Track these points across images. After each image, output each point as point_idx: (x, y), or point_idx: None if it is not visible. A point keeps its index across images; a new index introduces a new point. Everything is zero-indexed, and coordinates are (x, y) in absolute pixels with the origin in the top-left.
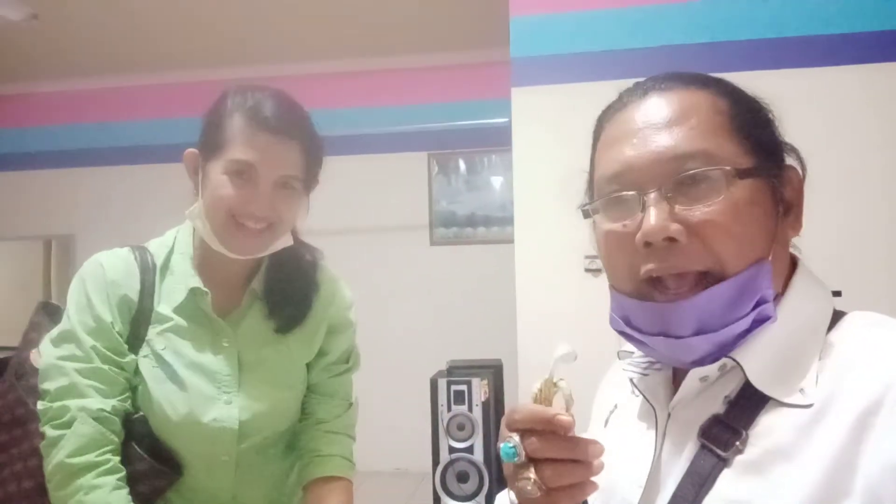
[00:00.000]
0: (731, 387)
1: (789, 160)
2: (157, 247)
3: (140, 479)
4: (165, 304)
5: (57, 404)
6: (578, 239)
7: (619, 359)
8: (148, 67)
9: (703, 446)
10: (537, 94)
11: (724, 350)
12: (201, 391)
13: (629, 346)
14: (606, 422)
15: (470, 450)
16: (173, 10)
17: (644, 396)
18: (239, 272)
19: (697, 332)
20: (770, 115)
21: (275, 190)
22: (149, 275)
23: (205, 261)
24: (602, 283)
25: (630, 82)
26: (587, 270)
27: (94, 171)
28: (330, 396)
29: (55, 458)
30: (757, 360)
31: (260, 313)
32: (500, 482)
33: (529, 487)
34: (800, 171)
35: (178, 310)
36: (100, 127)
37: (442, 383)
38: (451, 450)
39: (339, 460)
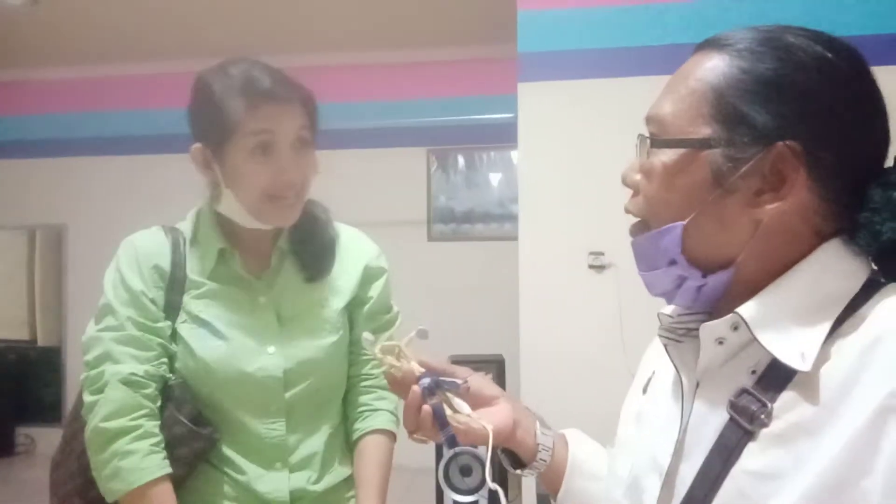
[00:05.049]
0: (756, 359)
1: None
2: (184, 225)
3: (179, 443)
4: (198, 272)
5: (94, 371)
6: (583, 235)
7: (659, 321)
8: (145, 57)
9: (731, 419)
10: (544, 89)
11: (677, 287)
12: (244, 344)
13: (667, 309)
14: (645, 389)
15: (473, 444)
16: (174, 1)
17: (674, 364)
18: (265, 236)
19: (645, 269)
20: (798, 88)
21: (294, 151)
22: (179, 247)
23: (231, 229)
24: (605, 278)
25: (637, 80)
26: (591, 267)
27: (86, 160)
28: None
29: (91, 423)
30: (764, 319)
31: (291, 268)
32: (502, 475)
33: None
34: (802, 153)
35: (212, 275)
36: (94, 116)
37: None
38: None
39: (386, 415)
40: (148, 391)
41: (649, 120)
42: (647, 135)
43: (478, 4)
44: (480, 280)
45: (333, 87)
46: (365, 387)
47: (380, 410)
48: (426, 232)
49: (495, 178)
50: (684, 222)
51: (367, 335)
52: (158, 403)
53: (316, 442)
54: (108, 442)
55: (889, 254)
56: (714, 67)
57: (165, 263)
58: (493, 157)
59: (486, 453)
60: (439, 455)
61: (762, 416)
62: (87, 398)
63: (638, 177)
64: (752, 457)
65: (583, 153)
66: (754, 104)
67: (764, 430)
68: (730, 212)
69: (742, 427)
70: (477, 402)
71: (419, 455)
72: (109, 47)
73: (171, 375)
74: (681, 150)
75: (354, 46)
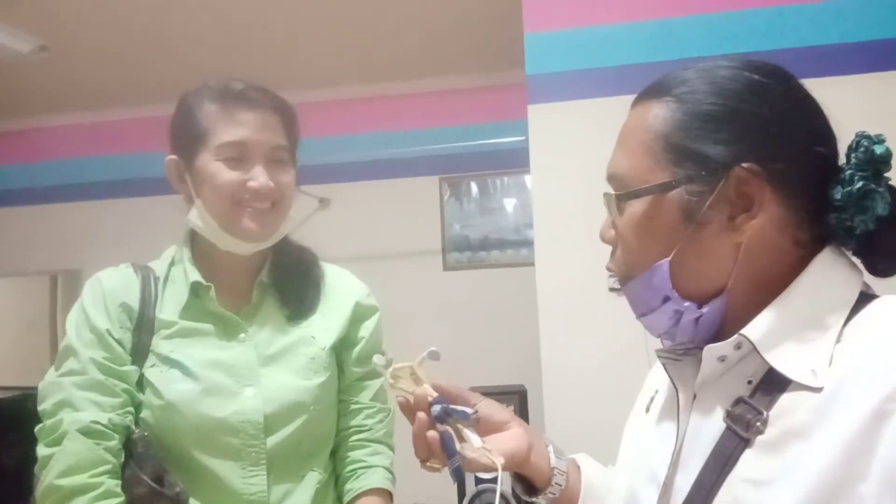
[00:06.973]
0: (752, 369)
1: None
2: (158, 263)
3: None
4: (169, 310)
5: (51, 421)
6: (601, 256)
7: (661, 344)
8: (157, 99)
9: (727, 427)
10: (555, 110)
11: (675, 323)
12: (219, 385)
13: None
14: (648, 408)
15: (496, 480)
16: (181, 43)
17: (671, 379)
18: (246, 268)
19: (643, 313)
20: (738, 115)
21: (269, 164)
22: (150, 285)
23: (209, 261)
24: (626, 301)
25: None
26: (612, 290)
27: (103, 204)
28: (369, 401)
29: (45, 480)
30: (771, 339)
31: (273, 304)
32: None
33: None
34: (760, 171)
35: (184, 312)
36: (108, 160)
37: None
38: (478, 481)
39: (381, 472)
40: (111, 444)
41: (610, 178)
42: (612, 193)
43: (483, 32)
44: (499, 308)
45: (342, 120)
46: (357, 440)
47: (375, 467)
48: (441, 261)
49: (510, 204)
50: (668, 258)
51: (377, 357)
52: (122, 459)
53: (301, 500)
54: (62, 501)
55: (868, 247)
56: (657, 116)
57: (134, 302)
58: (507, 183)
59: (498, 485)
60: (462, 493)
61: (758, 424)
62: (42, 451)
63: (613, 232)
64: (748, 464)
65: (597, 173)
66: (703, 139)
67: (759, 438)
68: (709, 242)
69: (738, 435)
70: (489, 427)
71: (442, 494)
72: (119, 92)
73: (135, 428)
74: (648, 198)
75: (361, 79)
